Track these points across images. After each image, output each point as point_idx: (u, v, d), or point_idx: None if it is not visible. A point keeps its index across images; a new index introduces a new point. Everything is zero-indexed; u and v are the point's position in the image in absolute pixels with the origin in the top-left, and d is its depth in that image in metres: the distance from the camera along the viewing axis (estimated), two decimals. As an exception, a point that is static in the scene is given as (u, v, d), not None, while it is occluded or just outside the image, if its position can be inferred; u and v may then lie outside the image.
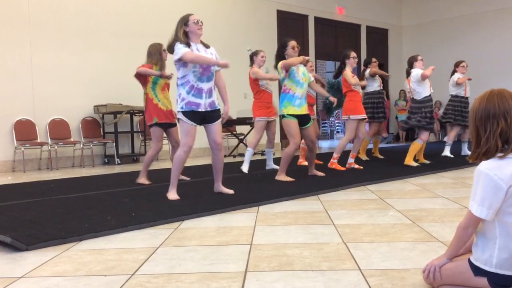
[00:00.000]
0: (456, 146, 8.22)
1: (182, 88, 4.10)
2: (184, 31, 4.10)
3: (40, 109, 7.81)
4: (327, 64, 17.80)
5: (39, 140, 7.68)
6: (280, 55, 5.33)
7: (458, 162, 6.78)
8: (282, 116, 5.23)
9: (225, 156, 9.27)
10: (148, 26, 8.92)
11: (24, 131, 7.62)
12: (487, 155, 1.69)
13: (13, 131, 7.52)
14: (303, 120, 5.25)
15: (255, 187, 4.85)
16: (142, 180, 5.27)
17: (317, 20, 11.99)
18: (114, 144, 8.31)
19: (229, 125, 9.68)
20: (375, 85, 7.49)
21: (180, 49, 3.98)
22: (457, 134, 8.29)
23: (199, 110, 4.09)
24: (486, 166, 1.68)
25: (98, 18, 8.35)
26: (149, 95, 5.14)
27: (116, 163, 8.25)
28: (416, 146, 6.44)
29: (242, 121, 9.02)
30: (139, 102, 6.57)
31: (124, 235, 3.00)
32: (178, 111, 4.14)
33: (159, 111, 5.11)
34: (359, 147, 6.38)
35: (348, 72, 6.25)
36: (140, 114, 8.49)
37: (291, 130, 5.14)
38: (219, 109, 4.27)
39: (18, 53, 7.60)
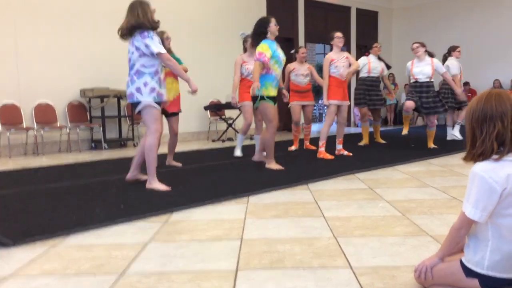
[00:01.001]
0: (441, 130, 8.30)
1: (149, 77, 4.02)
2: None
3: (26, 93, 7.66)
4: (316, 46, 17.71)
5: (24, 125, 7.56)
6: (263, 31, 5.01)
7: (446, 147, 6.83)
8: (261, 98, 4.97)
9: (213, 140, 9.28)
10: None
11: (9, 116, 7.48)
12: (483, 156, 1.68)
13: (-2, 116, 7.39)
14: (275, 101, 5.10)
15: (244, 176, 4.84)
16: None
17: (307, 2, 11.87)
18: (101, 128, 8.21)
19: (218, 109, 9.63)
20: (364, 71, 7.46)
21: (161, 47, 4.00)
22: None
23: (162, 100, 4.17)
24: (481, 168, 1.67)
25: (83, -1, 8.16)
26: None
27: (103, 148, 8.16)
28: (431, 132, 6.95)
29: (230, 106, 8.94)
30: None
31: (113, 229, 2.97)
32: (145, 100, 4.00)
33: None
34: (343, 132, 6.37)
35: (326, 58, 6.09)
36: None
37: (270, 113, 4.98)
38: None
39: (2, 35, 7.41)
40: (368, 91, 7.47)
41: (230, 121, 9.44)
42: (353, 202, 3.56)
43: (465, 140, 1.75)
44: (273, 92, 5.02)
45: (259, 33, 5.05)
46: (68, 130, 7.92)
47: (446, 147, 6.95)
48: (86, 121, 8.25)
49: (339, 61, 5.97)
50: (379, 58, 7.58)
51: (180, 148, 8.10)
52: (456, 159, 5.81)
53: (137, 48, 3.99)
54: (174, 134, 5.64)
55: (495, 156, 1.66)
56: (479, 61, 12.60)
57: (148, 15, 3.97)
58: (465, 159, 1.76)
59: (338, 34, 6.07)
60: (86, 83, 8.15)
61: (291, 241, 2.61)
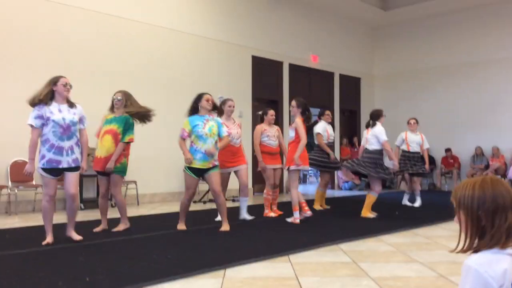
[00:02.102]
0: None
1: (42, 146, 4.47)
2: (52, 89, 4.50)
3: (1, 150, 7.43)
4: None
5: (-2, 183, 7.28)
6: (194, 106, 5.49)
7: (431, 216, 6.70)
8: (184, 168, 5.42)
9: (194, 202, 9.04)
10: (121, 66, 8.77)
11: (-18, 173, 7.22)
12: (487, 247, 1.53)
13: (-30, 173, 7.12)
14: (200, 172, 5.39)
15: (222, 244, 4.62)
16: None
17: (292, 66, 12.08)
18: (78, 188, 7.94)
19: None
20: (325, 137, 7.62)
21: (31, 120, 4.43)
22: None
23: (59, 167, 4.49)
24: (476, 261, 1.52)
25: (62, 53, 8.14)
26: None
27: (80, 208, 7.87)
28: (372, 198, 6.69)
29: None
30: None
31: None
32: (38, 167, 4.48)
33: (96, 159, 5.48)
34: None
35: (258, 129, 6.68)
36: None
37: (187, 182, 5.41)
38: (78, 166, 4.66)
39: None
40: (328, 157, 7.53)
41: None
42: (336, 279, 3.36)
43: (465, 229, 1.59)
44: (195, 164, 5.32)
45: (191, 108, 5.51)
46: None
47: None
48: (63, 180, 7.98)
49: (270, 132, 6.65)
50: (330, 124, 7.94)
51: (160, 209, 7.86)
52: (440, 230, 5.66)
53: None
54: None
55: (494, 250, 1.51)
56: (459, 128, 12.80)
57: (44, 89, 4.50)
58: (464, 250, 1.59)
59: (272, 112, 6.77)
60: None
61: (268, 327, 2.39)
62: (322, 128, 7.60)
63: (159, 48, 9.44)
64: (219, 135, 5.46)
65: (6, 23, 7.57)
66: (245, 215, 6.27)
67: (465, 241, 1.58)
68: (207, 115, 5.45)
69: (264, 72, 11.41)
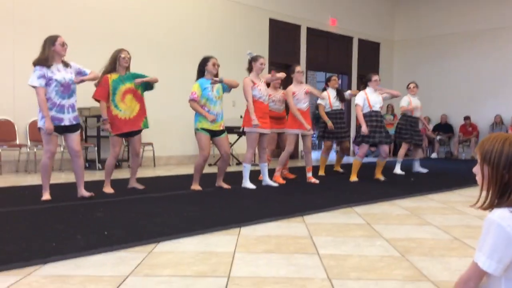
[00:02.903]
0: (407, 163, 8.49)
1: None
2: (52, 50, 4.53)
3: (21, 109, 7.53)
4: (317, 75, 17.71)
5: (18, 142, 7.40)
6: (201, 69, 5.48)
7: (447, 182, 6.65)
8: (196, 129, 5.45)
9: (210, 165, 9.11)
10: (136, 31, 8.71)
11: (3, 132, 7.34)
12: (507, 205, 1.50)
13: (-9, 132, 7.24)
14: (215, 133, 5.49)
15: (238, 204, 4.66)
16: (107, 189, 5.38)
17: (309, 30, 11.87)
18: (96, 148, 8.05)
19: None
20: (327, 106, 7.52)
21: (34, 80, 4.48)
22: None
23: (61, 124, 4.58)
24: (499, 215, 1.50)
25: (85, 18, 8.11)
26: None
27: (97, 168, 7.99)
28: (356, 163, 6.76)
29: (229, 130, 8.81)
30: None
31: (94, 258, 2.78)
32: (42, 125, 4.52)
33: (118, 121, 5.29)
34: (310, 160, 6.54)
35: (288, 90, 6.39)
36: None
37: (202, 143, 5.41)
38: (79, 123, 4.78)
39: (0, 50, 7.32)
40: (333, 124, 7.40)
41: (228, 146, 9.27)
42: (350, 239, 3.38)
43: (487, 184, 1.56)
44: (206, 125, 5.39)
45: (198, 71, 5.50)
46: (61, 148, 7.76)
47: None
48: (81, 140, 8.09)
49: (299, 94, 6.30)
50: (338, 91, 7.61)
51: (175, 171, 7.95)
52: (456, 196, 5.63)
53: None
54: (135, 155, 5.55)
55: None
56: (479, 96, 12.56)
57: (45, 51, 4.53)
58: (485, 208, 1.58)
59: (298, 69, 6.46)
60: (83, 102, 8.01)
61: (282, 281, 2.43)
62: (324, 97, 7.48)
63: (174, 11, 9.32)
64: (224, 91, 5.58)
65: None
66: (268, 181, 6.04)
67: (486, 197, 1.56)
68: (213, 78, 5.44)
69: (281, 36, 11.23)
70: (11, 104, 7.46)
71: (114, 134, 5.27)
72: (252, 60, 5.91)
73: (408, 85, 8.27)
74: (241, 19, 10.41)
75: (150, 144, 8.73)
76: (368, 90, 6.83)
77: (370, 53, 13.67)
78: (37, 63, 4.52)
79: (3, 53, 7.35)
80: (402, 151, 8.10)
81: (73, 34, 7.98)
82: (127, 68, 5.33)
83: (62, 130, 4.64)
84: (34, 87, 4.51)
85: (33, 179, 6.53)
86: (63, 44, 4.59)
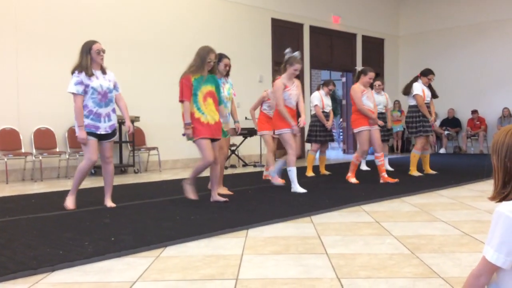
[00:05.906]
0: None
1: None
2: (90, 57, 4.45)
3: (25, 117, 7.56)
4: (322, 73, 17.67)
5: (23, 150, 7.43)
6: None
7: (456, 177, 6.59)
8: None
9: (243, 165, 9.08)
10: (141, 35, 8.72)
11: (8, 141, 7.37)
12: None
13: (-3, 141, 7.27)
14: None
15: (245, 206, 4.64)
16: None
17: (312, 29, 11.83)
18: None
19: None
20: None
21: (72, 87, 4.39)
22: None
23: (97, 132, 4.48)
24: (508, 208, 1.47)
25: (87, 26, 8.12)
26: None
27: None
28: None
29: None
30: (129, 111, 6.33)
31: (101, 264, 2.77)
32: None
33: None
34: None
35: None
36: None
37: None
38: (115, 130, 4.68)
39: (3, 60, 7.36)
40: (322, 127, 7.39)
41: (233, 148, 9.27)
42: (359, 237, 3.35)
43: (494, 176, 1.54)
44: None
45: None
46: (67, 155, 7.78)
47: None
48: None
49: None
50: (331, 96, 7.73)
51: (181, 175, 7.93)
52: (466, 191, 5.57)
53: None
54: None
55: None
56: (486, 89, 12.46)
57: (82, 58, 4.46)
58: (494, 198, 1.55)
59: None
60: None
61: (291, 282, 2.40)
62: (317, 98, 7.44)
63: (175, 11, 9.32)
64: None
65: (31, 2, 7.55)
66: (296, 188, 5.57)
67: (495, 188, 1.54)
68: (222, 78, 5.32)
69: (284, 35, 11.20)
70: (16, 113, 7.48)
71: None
72: (287, 63, 5.50)
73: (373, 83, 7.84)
74: (243, 19, 10.39)
75: (155, 148, 8.73)
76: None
77: (375, 50, 13.60)
78: (74, 69, 4.44)
79: (7, 63, 7.38)
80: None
81: (75, 43, 8.01)
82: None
83: (97, 136, 4.50)
84: (72, 93, 4.40)
85: (39, 187, 6.55)
86: (99, 52, 4.47)
